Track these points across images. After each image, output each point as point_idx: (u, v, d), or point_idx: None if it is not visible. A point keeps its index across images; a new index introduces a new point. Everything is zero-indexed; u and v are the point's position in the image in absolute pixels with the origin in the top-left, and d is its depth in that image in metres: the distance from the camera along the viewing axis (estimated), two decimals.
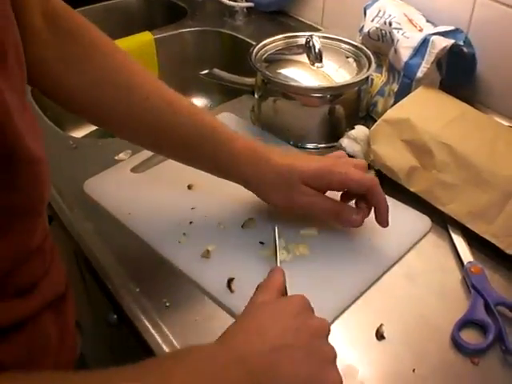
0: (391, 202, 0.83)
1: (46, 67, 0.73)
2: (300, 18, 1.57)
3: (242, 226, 0.87)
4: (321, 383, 0.58)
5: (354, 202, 0.84)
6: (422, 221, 0.90)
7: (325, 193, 0.83)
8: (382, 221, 0.81)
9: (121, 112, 0.79)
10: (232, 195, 0.90)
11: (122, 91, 0.77)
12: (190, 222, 0.87)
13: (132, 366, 0.52)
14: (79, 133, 1.39)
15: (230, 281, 0.77)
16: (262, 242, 0.84)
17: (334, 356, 0.61)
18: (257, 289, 0.67)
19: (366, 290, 0.79)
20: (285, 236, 0.84)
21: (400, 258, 0.84)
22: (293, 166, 0.80)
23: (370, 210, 0.82)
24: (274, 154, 0.82)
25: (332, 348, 0.61)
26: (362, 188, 0.80)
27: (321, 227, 0.86)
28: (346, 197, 0.85)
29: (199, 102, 1.61)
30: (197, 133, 0.80)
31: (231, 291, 0.76)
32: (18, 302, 0.58)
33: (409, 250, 0.85)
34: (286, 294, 0.69)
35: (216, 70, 1.21)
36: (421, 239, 0.87)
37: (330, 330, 0.63)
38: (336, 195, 0.84)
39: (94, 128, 1.43)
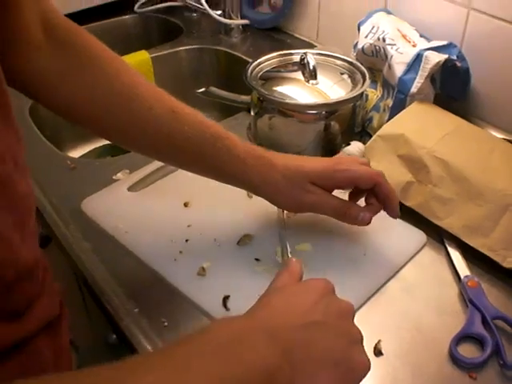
0: (386, 217, 0.83)
1: (46, 79, 0.73)
2: (295, 35, 1.58)
3: (237, 243, 0.87)
4: (351, 364, 0.56)
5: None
6: (417, 235, 0.90)
7: (332, 192, 0.83)
8: (394, 212, 0.83)
9: (123, 122, 0.78)
10: (228, 212, 0.91)
11: (123, 100, 0.77)
12: (186, 240, 0.87)
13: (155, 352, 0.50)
14: (77, 153, 1.40)
15: (225, 298, 0.78)
16: (257, 259, 0.84)
17: (362, 338, 0.60)
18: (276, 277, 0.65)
19: (361, 306, 0.79)
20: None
21: (395, 273, 0.84)
22: (299, 168, 0.81)
23: (381, 205, 0.83)
24: (277, 157, 0.83)
25: (359, 330, 0.60)
26: (369, 182, 0.81)
27: (315, 241, 0.87)
28: (353, 195, 0.85)
29: None
30: (201, 140, 0.79)
31: (227, 309, 0.77)
32: (12, 324, 0.58)
33: (404, 265, 0.85)
34: None
35: (212, 88, 1.21)
36: (416, 254, 0.88)
37: (354, 313, 0.62)
38: (344, 197, 0.85)
39: (91, 148, 1.43)
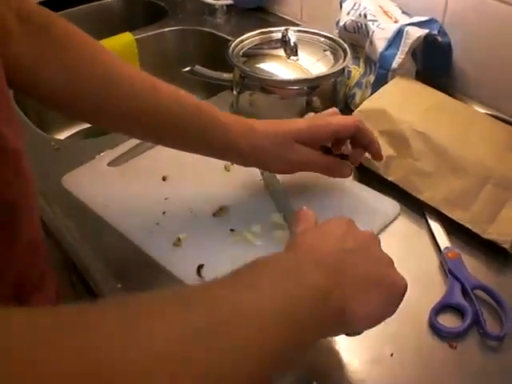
0: (358, 186, 0.88)
1: (22, 64, 0.72)
2: (279, 14, 1.57)
3: (213, 215, 0.88)
4: (391, 283, 0.59)
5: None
6: (391, 205, 0.91)
7: (317, 149, 0.85)
8: (378, 154, 0.87)
9: (105, 102, 0.78)
10: (205, 185, 0.92)
11: (103, 81, 0.77)
12: (164, 212, 0.88)
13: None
14: (61, 135, 1.40)
15: (199, 267, 0.78)
16: (232, 229, 0.85)
17: (392, 260, 0.62)
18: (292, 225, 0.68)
19: None
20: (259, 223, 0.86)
21: None
22: (283, 130, 0.83)
23: (364, 150, 0.87)
24: (260, 123, 0.84)
25: (388, 255, 0.63)
26: (351, 130, 0.84)
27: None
28: (335, 147, 0.87)
29: None
30: (184, 113, 0.80)
31: (200, 277, 0.77)
32: None
33: (379, 234, 0.86)
34: None
35: (198, 67, 1.21)
36: (391, 223, 0.88)
37: (380, 241, 0.65)
38: None
39: (76, 130, 1.43)
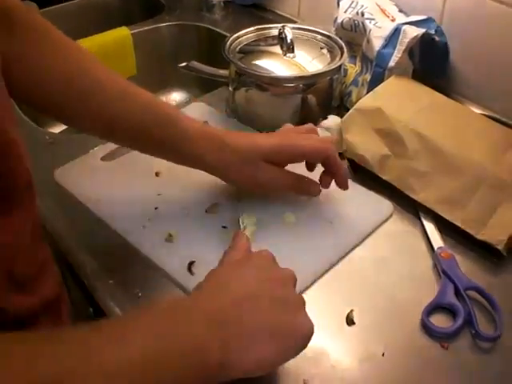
0: (352, 185, 0.88)
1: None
2: (277, 11, 1.57)
3: (205, 211, 0.88)
4: (289, 331, 0.59)
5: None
6: (384, 205, 0.91)
7: (285, 166, 0.86)
8: (343, 185, 0.86)
9: (78, 104, 0.78)
10: (198, 181, 0.91)
11: (76, 83, 0.77)
12: (156, 208, 0.88)
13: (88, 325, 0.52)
14: (56, 128, 1.39)
15: (190, 264, 0.78)
16: (224, 226, 0.85)
17: (303, 303, 0.62)
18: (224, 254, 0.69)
19: (327, 271, 0.80)
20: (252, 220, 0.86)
21: (366, 243, 0.85)
22: (251, 145, 0.82)
23: (332, 175, 0.86)
24: (230, 136, 0.83)
25: (299, 296, 0.63)
26: (317, 157, 0.84)
27: (282, 211, 0.88)
28: (308, 165, 0.88)
29: (178, 95, 1.61)
30: (153, 121, 0.80)
31: (191, 274, 0.77)
32: (18, 297, 0.59)
33: (371, 233, 0.86)
34: None
35: (194, 63, 1.20)
36: (383, 222, 0.88)
37: (296, 280, 0.64)
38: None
39: None
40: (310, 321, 0.60)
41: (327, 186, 0.86)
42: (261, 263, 0.64)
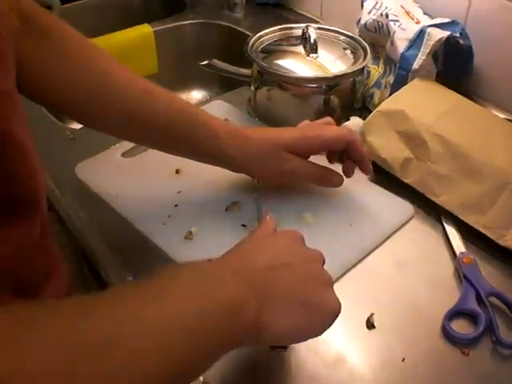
0: (372, 187, 0.89)
1: (21, 67, 0.72)
2: (298, 11, 1.57)
3: (225, 209, 0.88)
4: (318, 305, 0.59)
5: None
6: (405, 207, 0.91)
7: (307, 158, 0.86)
8: (366, 170, 0.88)
9: (99, 104, 0.78)
10: (218, 179, 0.91)
11: (97, 83, 0.77)
12: (176, 205, 0.88)
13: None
14: (77, 124, 1.39)
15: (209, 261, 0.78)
16: (244, 225, 0.85)
17: (331, 280, 0.62)
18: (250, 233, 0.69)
19: (342, 276, 0.80)
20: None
21: (382, 243, 0.85)
22: (274, 138, 0.83)
23: (354, 164, 0.87)
24: (251, 131, 0.84)
25: (328, 274, 0.62)
26: (342, 143, 0.85)
27: (302, 212, 0.88)
28: (329, 157, 0.89)
29: (198, 94, 1.61)
30: (175, 118, 0.80)
31: None
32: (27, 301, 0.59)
33: (391, 236, 0.86)
34: None
35: (215, 61, 1.20)
36: (404, 225, 0.88)
37: (324, 260, 0.64)
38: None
39: None
40: (337, 299, 0.60)
41: (350, 174, 0.88)
42: (292, 238, 0.64)
